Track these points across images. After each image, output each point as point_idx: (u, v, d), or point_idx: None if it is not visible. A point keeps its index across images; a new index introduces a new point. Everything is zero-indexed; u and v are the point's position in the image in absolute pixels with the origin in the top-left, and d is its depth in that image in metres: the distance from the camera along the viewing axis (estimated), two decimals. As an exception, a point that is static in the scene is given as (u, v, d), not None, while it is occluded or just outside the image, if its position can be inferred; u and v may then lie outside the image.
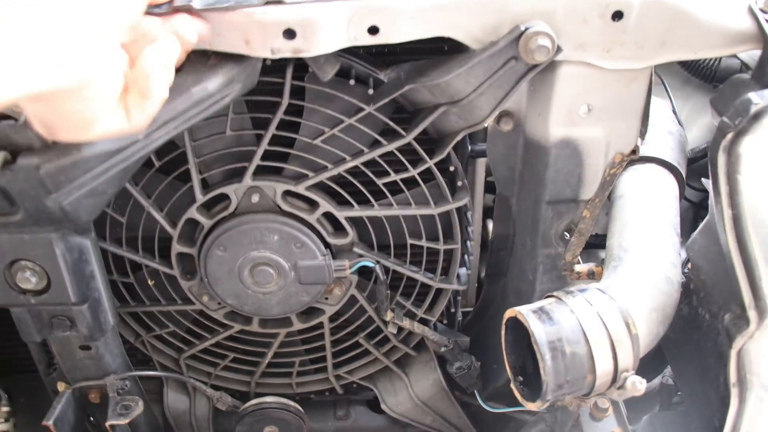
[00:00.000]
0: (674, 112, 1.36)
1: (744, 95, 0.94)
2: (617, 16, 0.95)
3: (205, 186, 1.15)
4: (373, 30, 0.94)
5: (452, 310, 1.28)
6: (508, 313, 0.99)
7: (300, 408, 1.32)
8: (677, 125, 1.31)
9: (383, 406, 1.35)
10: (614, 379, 0.96)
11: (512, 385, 1.02)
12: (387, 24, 0.94)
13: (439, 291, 1.24)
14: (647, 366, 1.29)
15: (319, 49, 0.93)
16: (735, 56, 1.31)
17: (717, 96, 1.02)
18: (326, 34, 0.93)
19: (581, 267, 1.18)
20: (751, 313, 0.95)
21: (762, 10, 0.98)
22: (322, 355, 1.33)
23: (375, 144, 1.09)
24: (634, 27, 0.96)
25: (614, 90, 1.03)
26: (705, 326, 1.09)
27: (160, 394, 1.39)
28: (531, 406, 0.98)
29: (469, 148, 1.22)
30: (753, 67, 1.01)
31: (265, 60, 0.98)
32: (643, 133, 1.10)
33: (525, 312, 0.96)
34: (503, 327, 1.01)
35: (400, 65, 1.07)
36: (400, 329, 1.27)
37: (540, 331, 0.93)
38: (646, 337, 0.99)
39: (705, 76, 1.55)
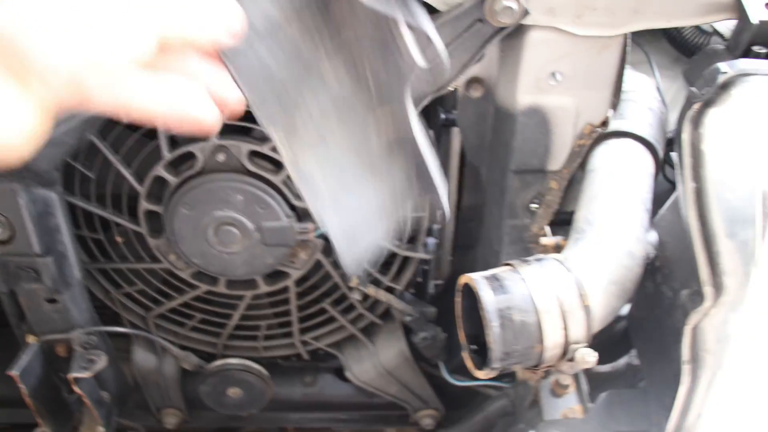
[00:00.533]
0: (659, 90, 1.33)
1: (714, 65, 0.91)
2: (588, -20, 0.93)
3: (175, 143, 1.14)
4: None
5: (419, 279, 1.27)
6: (462, 279, 0.98)
7: (264, 371, 1.32)
8: (660, 103, 1.28)
9: (348, 374, 1.35)
10: (565, 351, 0.95)
11: (464, 353, 1.01)
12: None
13: (406, 260, 1.23)
14: (615, 345, 1.29)
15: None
16: (714, 29, 1.28)
17: (690, 66, 1.00)
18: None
19: (548, 240, 1.16)
20: (707, 290, 0.93)
21: (739, -22, 0.96)
22: (289, 320, 1.32)
23: (342, 107, 1.08)
24: (607, -8, 0.94)
25: (585, 58, 1.00)
26: (667, 304, 1.07)
27: (129, 352, 1.39)
28: (479, 374, 0.97)
29: (443, 116, 1.20)
30: (728, 38, 0.99)
31: None
32: (614, 105, 1.08)
33: (476, 278, 0.95)
34: (458, 294, 1.00)
35: None
36: (367, 297, 1.26)
37: (489, 298, 0.92)
38: (601, 310, 0.98)
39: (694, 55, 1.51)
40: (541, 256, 1.00)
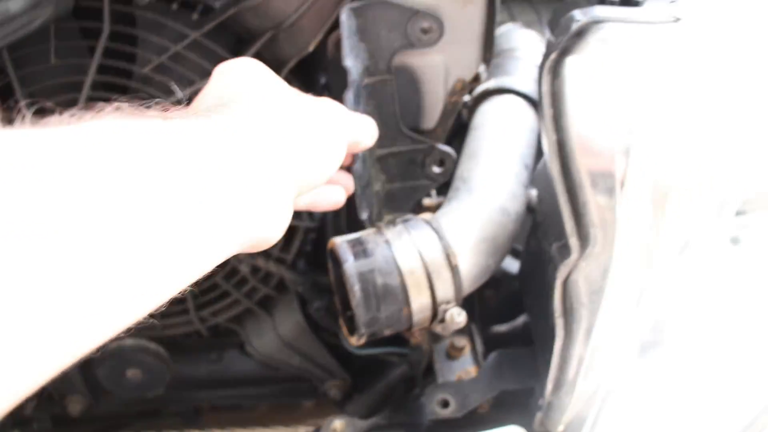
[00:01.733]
0: (547, 45, 1.31)
1: (569, 13, 0.89)
2: (440, -70, 0.90)
3: (44, 115, 1.10)
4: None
5: (308, 248, 1.24)
6: (329, 245, 0.96)
7: (162, 350, 1.30)
8: (546, 57, 1.26)
9: (248, 348, 1.32)
10: (435, 313, 0.93)
11: (339, 320, 0.99)
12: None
13: (292, 229, 1.21)
14: (512, 304, 1.27)
15: (123, -33, 0.89)
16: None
17: (552, 16, 0.98)
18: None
19: (430, 201, 1.14)
20: (573, 242, 0.91)
21: (595, -75, 0.94)
22: (183, 296, 1.30)
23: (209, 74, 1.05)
24: (461, -57, 0.91)
25: (449, 12, 0.98)
26: (545, 259, 1.05)
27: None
28: (351, 340, 0.95)
29: (322, 80, 1.17)
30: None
31: None
32: (487, 59, 1.06)
33: (339, 242, 0.93)
34: (329, 259, 0.98)
35: None
36: (258, 269, 1.23)
37: (350, 262, 0.90)
38: (472, 269, 0.96)
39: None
40: (409, 216, 0.98)
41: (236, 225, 0.54)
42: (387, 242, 0.92)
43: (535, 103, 1.18)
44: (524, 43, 1.28)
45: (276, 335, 1.31)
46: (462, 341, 1.17)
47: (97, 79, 1.04)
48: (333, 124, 0.75)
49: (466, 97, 1.19)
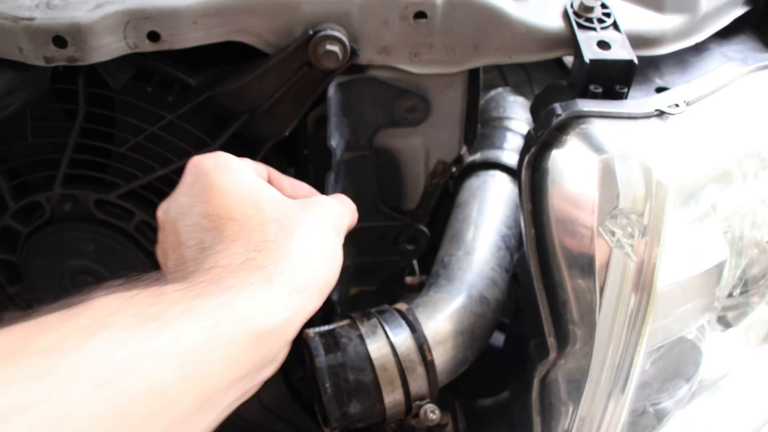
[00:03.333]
0: (538, 112, 1.28)
1: (550, 106, 0.87)
2: (420, 16, 0.88)
3: (26, 191, 1.09)
4: (154, 36, 0.88)
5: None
6: (303, 335, 0.94)
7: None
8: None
9: (231, 414, 1.31)
10: (408, 408, 0.91)
11: (316, 409, 0.97)
12: (168, 30, 0.87)
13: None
14: (498, 377, 1.25)
15: (96, 57, 0.87)
16: (561, 60, 1.24)
17: (534, 102, 0.96)
18: (101, 42, 0.86)
19: (412, 279, 1.13)
20: (551, 341, 0.89)
21: (576, 13, 0.91)
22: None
23: (188, 153, 1.03)
24: (441, 29, 0.89)
25: (428, 97, 0.96)
26: (527, 348, 1.03)
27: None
28: (325, 430, 0.93)
29: (306, 152, 1.15)
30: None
31: (57, 66, 0.93)
32: (470, 140, 1.04)
33: (311, 335, 0.91)
34: (305, 347, 0.96)
35: (213, 69, 1.01)
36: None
37: (321, 357, 0.88)
38: (449, 362, 0.94)
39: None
40: (384, 307, 0.96)
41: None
42: (360, 336, 0.90)
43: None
44: (513, 111, 1.26)
45: (258, 400, 1.29)
46: (445, 418, 1.15)
47: (74, 156, 1.03)
48: (330, 227, 0.77)
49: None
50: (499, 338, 1.25)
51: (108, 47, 0.87)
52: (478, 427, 1.18)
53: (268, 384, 1.29)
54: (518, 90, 1.33)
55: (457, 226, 1.07)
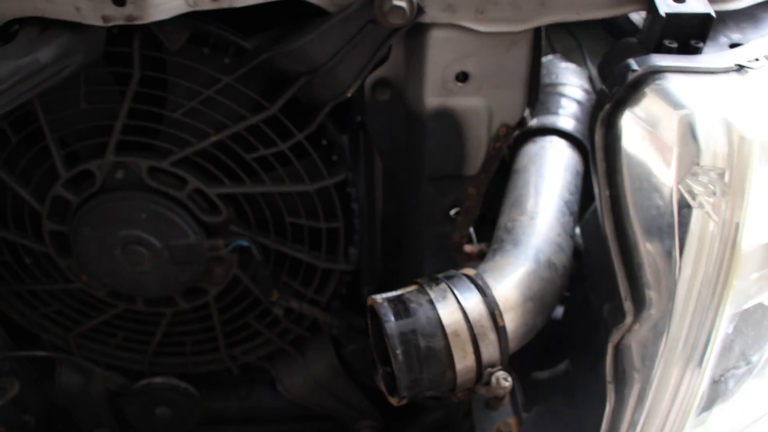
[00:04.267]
0: (591, 80, 1.25)
1: (625, 60, 0.84)
2: (487, -29, 0.85)
3: (76, 161, 1.07)
4: (215, -8, 0.85)
5: (344, 290, 1.21)
6: (368, 301, 0.91)
7: (192, 388, 1.27)
8: (590, 94, 1.21)
9: (279, 388, 1.29)
10: (479, 375, 0.89)
11: (379, 376, 0.95)
12: (229, -15, 0.85)
13: (327, 272, 1.17)
14: (553, 349, 1.23)
15: (154, 15, 0.84)
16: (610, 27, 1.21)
17: (603, 61, 0.92)
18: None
19: (471, 247, 1.10)
20: (628, 305, 0.87)
21: (648, -33, 0.88)
22: (215, 335, 1.26)
23: (243, 117, 1.01)
24: (508, -17, 0.86)
25: (493, 56, 0.93)
26: (594, 315, 1.00)
27: (53, 371, 1.33)
28: (392, 400, 0.91)
29: (358, 119, 1.13)
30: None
31: (111, 28, 0.90)
32: (532, 102, 1.01)
33: (380, 301, 0.89)
34: (368, 315, 0.93)
35: (268, 32, 0.98)
36: (291, 310, 1.20)
37: (391, 323, 0.86)
38: (519, 329, 0.91)
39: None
40: (451, 272, 0.93)
41: None
42: (430, 302, 0.87)
43: (578, 143, 1.12)
44: (565, 77, 1.23)
45: (308, 375, 1.28)
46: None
47: (127, 123, 1.01)
48: None
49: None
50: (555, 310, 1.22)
51: (167, 5, 0.84)
52: (536, 399, 1.16)
53: (317, 357, 1.29)
54: (568, 57, 1.30)
55: (518, 192, 1.04)
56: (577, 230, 1.06)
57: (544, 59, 1.30)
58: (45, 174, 1.08)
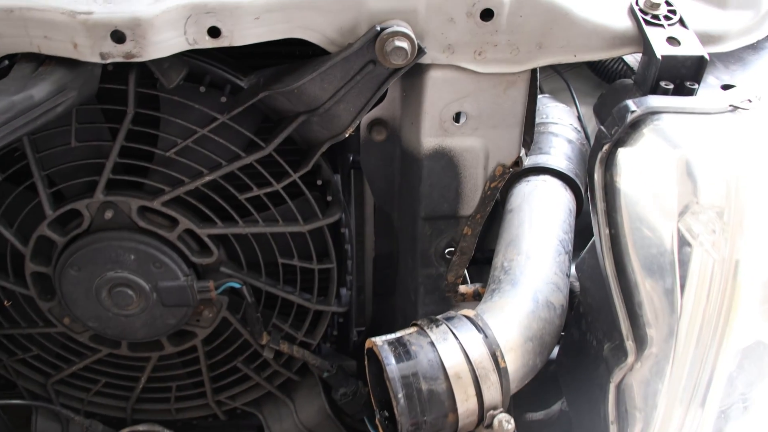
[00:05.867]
0: (580, 119, 1.27)
1: (623, 102, 0.85)
2: (487, 15, 0.86)
3: (62, 199, 1.05)
4: (214, 32, 0.84)
5: (335, 332, 1.19)
6: (367, 344, 0.90)
7: (175, 436, 1.23)
8: (579, 134, 1.22)
9: (267, 432, 1.26)
10: (481, 418, 0.87)
11: (377, 420, 0.93)
12: (229, 25, 0.84)
13: (318, 313, 1.15)
14: (547, 390, 1.21)
15: (153, 53, 0.83)
16: (622, 59, 1.23)
17: (599, 102, 0.94)
18: (160, 37, 0.83)
19: (466, 288, 1.09)
20: (629, 344, 0.86)
21: (642, 11, 0.90)
22: (201, 379, 1.23)
23: (237, 156, 1.00)
24: (507, 27, 0.87)
25: (490, 96, 0.94)
26: (593, 354, 1.00)
27: (29, 419, 1.28)
28: (392, 446, 0.89)
29: (350, 158, 1.12)
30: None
31: (106, 65, 0.89)
32: (528, 143, 1.02)
33: (380, 344, 0.87)
34: (366, 358, 0.92)
35: (263, 70, 0.98)
36: (281, 353, 1.17)
37: (393, 366, 0.84)
38: (519, 370, 0.90)
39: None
40: (451, 313, 0.92)
41: None
42: (431, 344, 0.86)
43: (570, 182, 1.13)
44: (555, 116, 1.24)
45: (297, 420, 1.25)
46: (498, 431, 1.11)
47: (118, 160, 0.99)
48: None
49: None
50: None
51: (167, 43, 0.84)
52: (530, 441, 1.15)
53: (307, 401, 1.26)
54: (555, 97, 1.31)
55: (513, 231, 1.03)
56: (572, 269, 1.06)
57: (533, 100, 1.32)
58: (29, 213, 1.05)
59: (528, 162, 1.13)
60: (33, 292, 1.11)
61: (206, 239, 1.05)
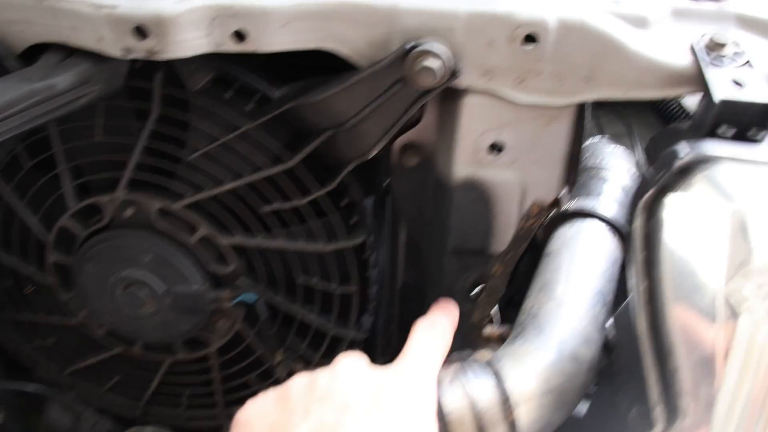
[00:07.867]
0: (639, 165, 1.17)
1: (672, 146, 0.77)
2: (530, 40, 0.79)
3: (86, 193, 1.03)
4: (240, 35, 0.81)
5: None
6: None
7: (182, 443, 1.20)
8: (636, 181, 1.13)
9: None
10: (482, 473, 0.80)
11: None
12: (256, 30, 0.81)
13: (336, 337, 1.10)
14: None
15: (176, 51, 0.81)
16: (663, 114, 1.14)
17: (650, 144, 0.86)
18: (184, 36, 0.80)
19: (492, 330, 1.02)
20: (658, 412, 0.78)
21: (704, 49, 0.81)
22: (212, 390, 1.19)
23: (260, 167, 0.96)
24: (553, 55, 0.80)
25: (530, 129, 0.87)
26: (621, 417, 0.91)
27: (42, 407, 1.28)
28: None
29: (387, 182, 1.07)
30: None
31: (135, 62, 0.87)
32: (571, 182, 0.94)
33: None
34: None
35: (297, 83, 0.93)
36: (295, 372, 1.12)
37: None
38: (532, 425, 0.82)
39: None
40: (466, 352, 0.86)
41: None
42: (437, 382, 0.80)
43: (620, 231, 1.04)
44: (611, 161, 1.15)
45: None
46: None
47: (141, 160, 0.97)
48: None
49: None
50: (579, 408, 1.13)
51: (190, 42, 0.81)
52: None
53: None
54: (617, 142, 1.23)
55: (548, 276, 0.96)
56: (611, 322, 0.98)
57: (591, 141, 1.23)
58: (54, 203, 1.04)
59: (574, 205, 1.06)
60: (53, 282, 1.11)
61: (224, 249, 1.02)
